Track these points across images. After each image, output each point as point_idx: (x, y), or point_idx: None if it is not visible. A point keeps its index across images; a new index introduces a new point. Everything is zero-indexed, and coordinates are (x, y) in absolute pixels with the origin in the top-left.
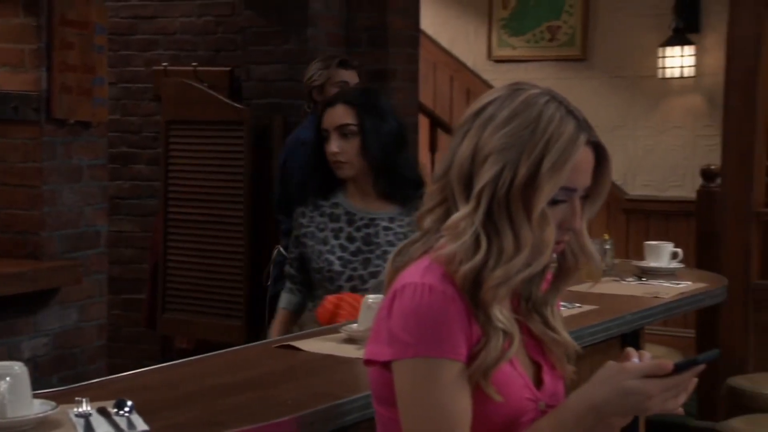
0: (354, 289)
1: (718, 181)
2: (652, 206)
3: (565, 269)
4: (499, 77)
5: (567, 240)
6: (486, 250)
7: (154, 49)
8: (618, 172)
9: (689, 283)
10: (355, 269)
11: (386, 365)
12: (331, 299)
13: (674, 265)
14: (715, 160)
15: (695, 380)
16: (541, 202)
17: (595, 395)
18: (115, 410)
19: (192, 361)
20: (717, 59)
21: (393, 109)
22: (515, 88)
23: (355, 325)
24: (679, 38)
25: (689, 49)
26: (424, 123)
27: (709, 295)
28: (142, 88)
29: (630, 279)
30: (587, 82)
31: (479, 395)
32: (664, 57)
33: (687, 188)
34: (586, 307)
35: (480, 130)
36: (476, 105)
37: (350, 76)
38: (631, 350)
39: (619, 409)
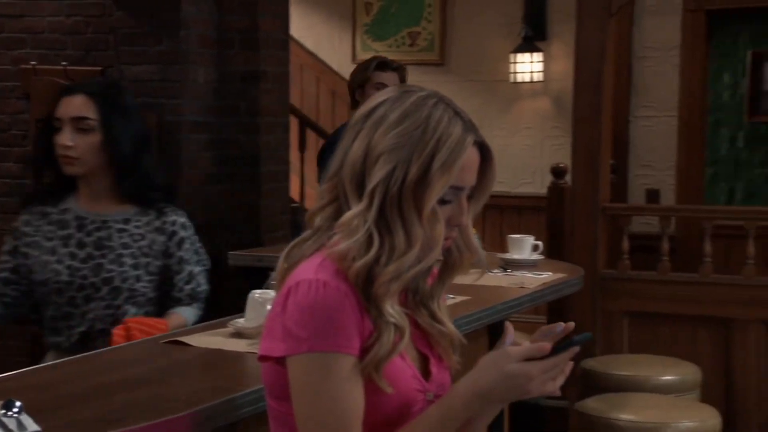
0: (88, 298)
1: (567, 178)
2: (506, 202)
3: (450, 264)
4: None
5: (454, 236)
6: (378, 247)
7: (22, 48)
8: None
9: (550, 273)
10: (84, 277)
11: (280, 360)
12: (118, 332)
13: (535, 256)
14: (562, 158)
15: (571, 363)
16: (431, 200)
17: (480, 381)
18: (3, 411)
19: (78, 360)
20: (563, 65)
21: (138, 108)
22: (404, 90)
23: (242, 320)
24: (528, 46)
25: (538, 56)
26: (293, 123)
27: (568, 284)
28: (10, 86)
29: (496, 270)
30: (445, 86)
31: (371, 387)
32: (515, 63)
33: (537, 185)
34: (459, 298)
35: (372, 131)
36: (367, 106)
37: (389, 78)
38: (508, 324)
39: (503, 393)
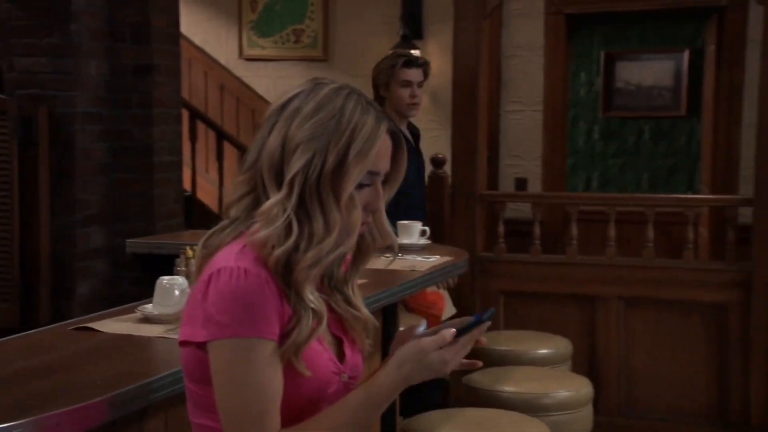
0: None
1: (446, 167)
2: None
3: (364, 249)
4: (250, 74)
5: (370, 221)
6: (297, 234)
7: None
8: None
9: (438, 256)
10: None
11: (201, 346)
12: None
13: (423, 241)
14: (439, 149)
15: (484, 339)
16: (349, 187)
17: (402, 372)
18: None
19: None
20: (438, 63)
21: None
22: (317, 83)
23: (150, 305)
24: (406, 43)
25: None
26: (183, 115)
27: (456, 267)
28: None
29: (388, 255)
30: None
31: (289, 371)
32: None
33: None
34: (360, 281)
35: (287, 122)
36: (281, 99)
37: (415, 75)
38: (414, 326)
39: (424, 377)
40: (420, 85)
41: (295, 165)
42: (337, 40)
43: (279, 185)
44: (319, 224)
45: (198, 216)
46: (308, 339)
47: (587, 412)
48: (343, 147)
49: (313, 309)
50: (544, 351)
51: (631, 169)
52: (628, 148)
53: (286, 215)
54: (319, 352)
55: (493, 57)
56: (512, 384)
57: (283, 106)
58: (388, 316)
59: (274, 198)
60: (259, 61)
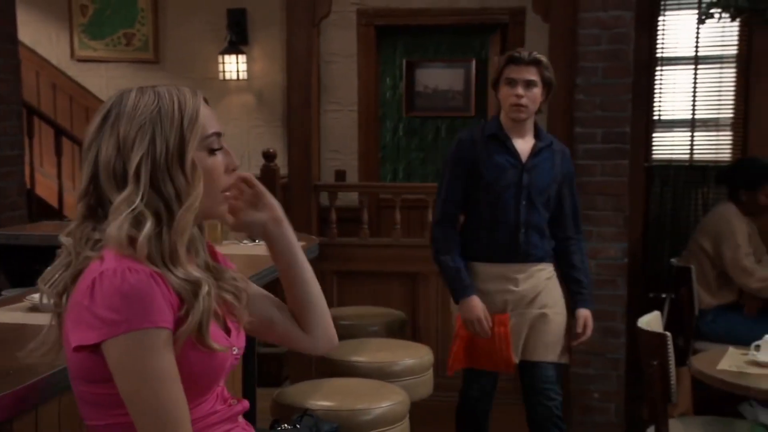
0: None
1: (277, 161)
2: None
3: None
4: (83, 74)
5: (236, 182)
6: (153, 218)
7: None
8: None
9: None
10: None
11: (95, 348)
12: None
13: None
14: (266, 144)
15: None
16: (191, 156)
17: None
18: None
19: None
20: (263, 66)
21: None
22: (120, 93)
23: (38, 295)
24: (233, 48)
25: (242, 58)
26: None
27: (310, 251)
28: None
29: (246, 241)
30: (161, 81)
31: (193, 351)
32: (223, 63)
33: (245, 167)
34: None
35: (114, 129)
36: (98, 116)
37: (521, 72)
38: None
39: None
40: (529, 85)
41: (136, 157)
42: (167, 44)
43: (122, 186)
44: (173, 200)
45: (37, 209)
46: (208, 314)
47: (430, 375)
48: (176, 123)
49: (202, 281)
50: (383, 323)
51: (431, 161)
52: (428, 143)
53: (133, 206)
54: (214, 328)
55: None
56: (366, 355)
57: (104, 119)
58: None
59: (120, 196)
60: (91, 62)
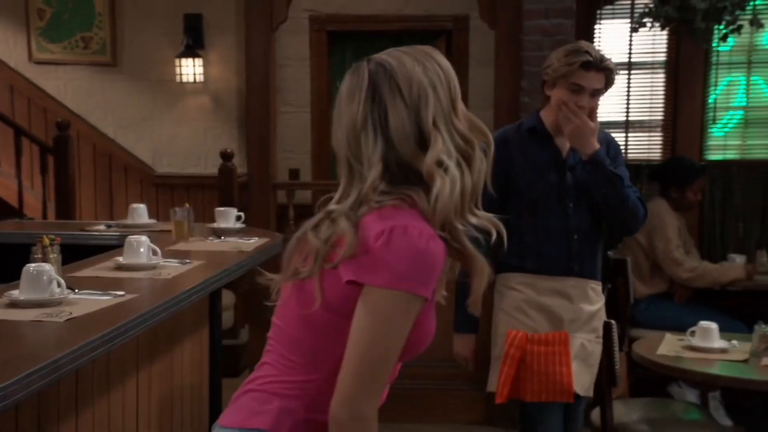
0: None
1: (234, 160)
2: (176, 181)
3: None
4: (41, 76)
5: None
6: (458, 171)
7: None
8: (148, 154)
9: (256, 238)
10: None
11: (360, 286)
12: None
13: (239, 225)
14: (222, 145)
15: None
16: (461, 108)
17: None
18: None
19: None
20: (219, 70)
21: None
22: (371, 64)
23: (17, 291)
24: (190, 52)
25: (198, 61)
26: None
27: (275, 246)
28: None
29: (211, 238)
30: (119, 84)
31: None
32: (180, 66)
33: (202, 167)
34: (196, 262)
35: (396, 96)
36: (357, 93)
37: (592, 80)
38: None
39: None
40: (595, 94)
41: (429, 115)
42: (124, 47)
43: (422, 147)
44: (462, 145)
45: None
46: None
47: None
48: (443, 78)
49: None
50: None
51: None
52: None
53: (445, 164)
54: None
55: None
56: None
57: (371, 97)
58: (214, 297)
59: (429, 156)
60: (49, 65)
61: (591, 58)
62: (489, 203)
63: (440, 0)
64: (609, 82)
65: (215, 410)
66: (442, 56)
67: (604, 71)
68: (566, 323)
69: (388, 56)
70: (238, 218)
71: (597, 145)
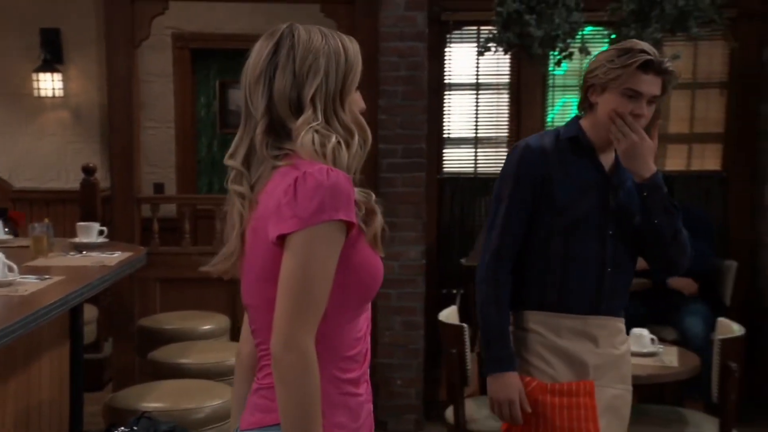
0: None
1: (97, 175)
2: (35, 195)
3: None
4: None
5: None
6: (335, 135)
7: None
8: (5, 169)
9: (120, 252)
10: None
11: (279, 241)
12: None
13: (101, 239)
14: (84, 159)
15: None
16: (352, 93)
17: None
18: None
19: None
20: (79, 84)
21: None
22: (287, 27)
23: None
24: (48, 67)
25: (57, 76)
26: None
27: (138, 260)
28: None
29: (73, 253)
30: None
31: (367, 255)
32: (38, 80)
33: (63, 181)
34: (56, 278)
35: (289, 60)
36: (265, 48)
37: (651, 85)
38: None
39: None
40: (652, 102)
41: (312, 86)
42: None
43: (297, 113)
44: (339, 129)
45: None
46: (382, 223)
47: None
48: (341, 63)
49: (370, 192)
50: (208, 327)
51: None
52: None
53: (314, 125)
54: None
55: None
56: (193, 357)
57: (272, 56)
58: (76, 312)
59: (300, 119)
60: None
61: (651, 57)
62: (514, 228)
63: (304, 20)
64: (666, 90)
65: (76, 425)
66: (356, 51)
67: (664, 74)
68: (591, 370)
69: (306, 28)
70: (101, 233)
71: (654, 167)
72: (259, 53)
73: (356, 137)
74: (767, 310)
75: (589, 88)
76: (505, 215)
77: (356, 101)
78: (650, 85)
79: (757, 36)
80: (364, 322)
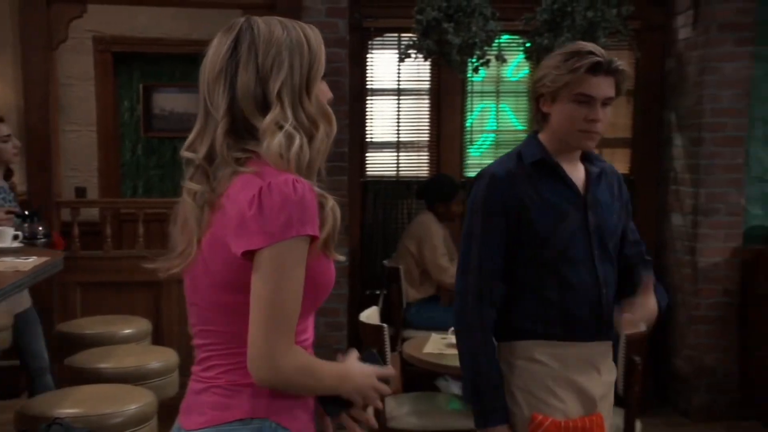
0: None
1: (14, 178)
2: None
3: None
4: None
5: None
6: (300, 135)
7: None
8: None
9: (35, 257)
10: None
11: (250, 255)
12: None
13: (16, 244)
14: None
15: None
16: (317, 86)
17: (356, 375)
18: None
19: None
20: None
21: None
22: (245, 21)
23: None
24: None
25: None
26: None
27: (54, 264)
28: None
29: None
30: None
31: (317, 262)
32: None
33: None
34: None
35: (252, 57)
36: (224, 44)
37: (603, 87)
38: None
39: (355, 391)
40: (606, 103)
41: (278, 81)
42: None
43: (264, 108)
44: (305, 122)
45: None
46: (338, 221)
47: (175, 375)
48: (306, 56)
49: (326, 194)
50: (130, 330)
51: (169, 178)
52: (167, 161)
53: (283, 125)
54: None
55: None
56: (113, 361)
57: (232, 52)
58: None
59: (268, 118)
60: None
61: (599, 59)
62: (491, 264)
63: (225, 25)
64: (620, 90)
65: None
66: (319, 40)
67: (615, 74)
68: (598, 402)
69: (265, 20)
70: (15, 237)
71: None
72: (217, 50)
73: (321, 129)
74: (670, 309)
75: (539, 99)
76: (479, 254)
77: (323, 91)
78: (602, 87)
79: (660, 47)
80: (311, 324)
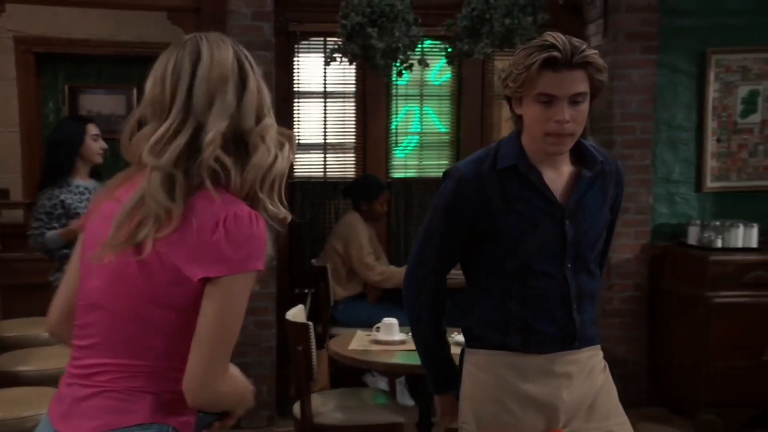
0: None
1: None
2: None
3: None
4: None
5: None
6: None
7: None
8: None
9: None
10: None
11: (207, 280)
12: None
13: None
14: None
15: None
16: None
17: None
18: None
19: None
20: None
21: None
22: (193, 46)
23: None
24: None
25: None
26: None
27: None
28: None
29: None
30: None
31: None
32: None
33: None
34: None
35: (252, 72)
36: (228, 61)
37: (566, 83)
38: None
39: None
40: (576, 101)
41: (268, 96)
42: None
43: (259, 121)
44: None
45: None
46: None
47: None
48: (255, 74)
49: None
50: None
51: (107, 177)
52: None
53: (266, 141)
54: None
55: None
56: (33, 364)
57: (240, 67)
58: None
59: (263, 123)
60: None
61: (557, 53)
62: (442, 265)
63: (153, 27)
64: (595, 82)
65: None
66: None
67: (581, 67)
68: (564, 415)
69: (205, 43)
70: None
71: None
72: (223, 61)
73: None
74: None
75: (510, 101)
76: (439, 253)
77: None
78: (565, 83)
79: None
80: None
